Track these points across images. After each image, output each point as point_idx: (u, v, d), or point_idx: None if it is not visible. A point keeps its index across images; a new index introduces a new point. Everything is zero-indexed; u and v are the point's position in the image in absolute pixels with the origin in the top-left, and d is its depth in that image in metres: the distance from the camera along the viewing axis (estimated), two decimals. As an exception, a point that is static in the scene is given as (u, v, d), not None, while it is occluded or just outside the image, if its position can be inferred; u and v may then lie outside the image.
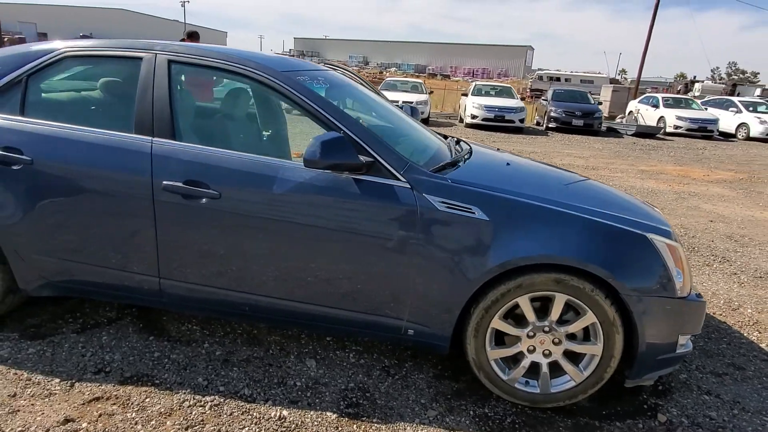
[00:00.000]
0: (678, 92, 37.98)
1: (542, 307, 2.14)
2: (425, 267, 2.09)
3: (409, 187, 2.09)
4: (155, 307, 2.68)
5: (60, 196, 2.24)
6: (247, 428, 1.97)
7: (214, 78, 2.81)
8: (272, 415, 2.06)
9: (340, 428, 2.02)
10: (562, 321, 2.14)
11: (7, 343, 2.41)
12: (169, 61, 2.27)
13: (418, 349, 2.59)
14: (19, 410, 1.98)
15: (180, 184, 2.13)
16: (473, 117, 14.38)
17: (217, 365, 2.36)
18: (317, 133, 2.09)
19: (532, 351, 2.18)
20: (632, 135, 15.47)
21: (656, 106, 17.54)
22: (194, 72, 2.42)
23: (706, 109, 17.47)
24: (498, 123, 14.19)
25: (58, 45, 2.37)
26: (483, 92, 15.95)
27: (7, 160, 2.23)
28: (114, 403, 2.06)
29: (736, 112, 17.29)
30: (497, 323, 2.14)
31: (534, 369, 2.20)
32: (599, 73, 52.62)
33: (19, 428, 1.89)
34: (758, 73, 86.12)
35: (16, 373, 2.20)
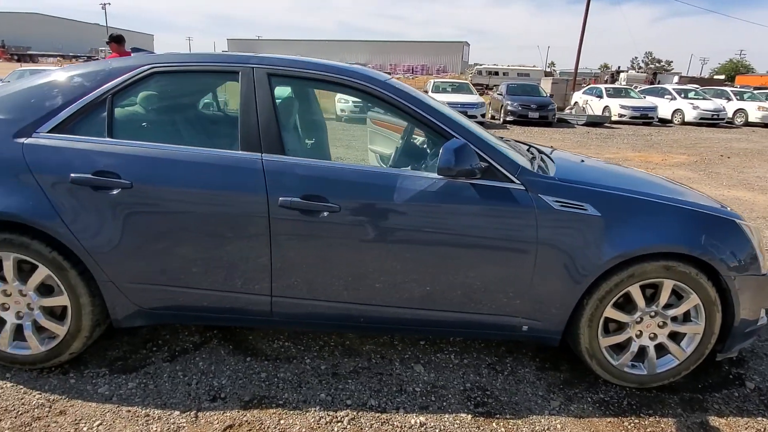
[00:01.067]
0: (606, 82, 40.24)
1: (647, 294, 2.28)
2: (544, 265, 2.18)
3: (524, 188, 2.17)
4: (259, 327, 2.62)
5: (163, 220, 2.13)
6: (395, 438, 1.99)
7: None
8: (412, 422, 2.08)
9: (480, 428, 2.07)
10: (666, 305, 2.29)
11: (101, 379, 2.27)
12: (269, 75, 2.22)
13: (520, 344, 2.68)
14: (157, 447, 1.89)
15: (298, 200, 2.10)
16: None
17: (330, 379, 2.34)
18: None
19: (639, 336, 2.32)
20: (583, 125, 16.31)
21: (600, 96, 18.59)
22: (291, 84, 2.37)
23: (645, 97, 18.68)
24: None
25: (145, 60, 2.24)
26: (441, 89, 16.26)
27: (104, 185, 2.10)
28: (250, 429, 2.01)
29: (671, 99, 18.62)
30: (610, 312, 2.26)
31: (639, 352, 2.34)
32: (534, 66, 54.88)
33: (169, 465, 1.81)
34: (671, 62, 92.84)
35: (129, 410, 2.09)
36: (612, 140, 12.81)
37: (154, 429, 1.99)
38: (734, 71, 75.26)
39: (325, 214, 2.11)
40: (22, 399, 2.12)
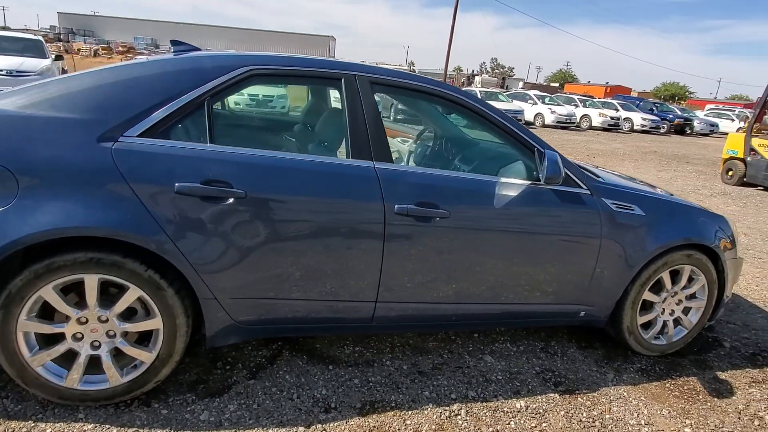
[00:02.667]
0: (462, 85, 43.71)
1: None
2: (605, 258, 2.54)
3: (590, 193, 2.50)
4: (354, 333, 2.66)
5: (275, 231, 2.04)
6: (514, 422, 2.18)
7: None
8: (517, 406, 2.29)
9: (571, 404, 2.36)
10: (684, 286, 2.81)
11: (194, 406, 2.09)
12: (371, 83, 2.23)
13: (554, 329, 3.02)
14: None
15: (413, 207, 2.16)
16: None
17: (420, 377, 2.44)
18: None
19: (662, 313, 2.81)
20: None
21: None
22: (390, 94, 2.38)
23: (512, 101, 20.83)
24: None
25: (242, 61, 2.09)
26: None
27: (215, 195, 1.94)
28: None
29: (534, 104, 21.04)
30: (647, 295, 2.71)
31: (649, 325, 2.84)
32: (400, 65, 57.36)
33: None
34: (513, 68, 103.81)
35: (248, 433, 1.97)
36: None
37: (289, 447, 1.92)
38: (563, 80, 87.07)
39: (437, 219, 2.21)
40: (120, 438, 1.88)
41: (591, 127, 21.77)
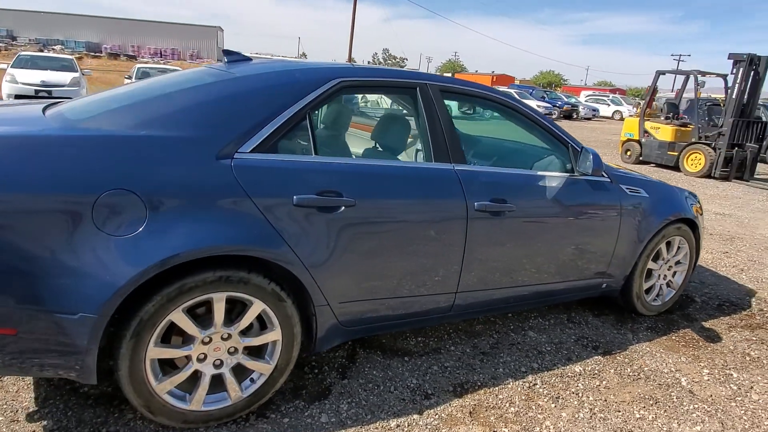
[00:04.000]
0: None
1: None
2: (623, 235, 2.96)
3: (610, 180, 2.90)
4: (434, 325, 2.82)
5: (379, 234, 2.15)
6: (581, 383, 2.51)
7: None
8: (577, 370, 2.63)
9: (612, 362, 2.75)
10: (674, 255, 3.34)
11: (310, 410, 2.15)
12: (441, 91, 2.40)
13: (590, 300, 3.41)
14: (444, 446, 2.01)
15: (489, 203, 2.38)
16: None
17: (487, 357, 2.69)
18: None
19: (659, 278, 3.32)
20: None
21: None
22: (456, 100, 2.54)
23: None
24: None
25: (333, 73, 2.14)
26: (151, 76, 13.89)
27: (329, 205, 2.00)
28: (487, 408, 2.26)
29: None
30: (650, 264, 3.19)
31: (650, 290, 3.35)
32: (301, 56, 56.38)
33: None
34: (406, 59, 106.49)
35: (377, 427, 2.09)
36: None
37: (424, 423, 2.07)
38: (453, 69, 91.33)
39: (506, 213, 2.45)
40: (259, 451, 1.90)
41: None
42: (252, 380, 2.05)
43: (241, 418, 2.05)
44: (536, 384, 2.49)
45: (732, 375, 2.74)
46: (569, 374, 2.60)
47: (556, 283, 2.83)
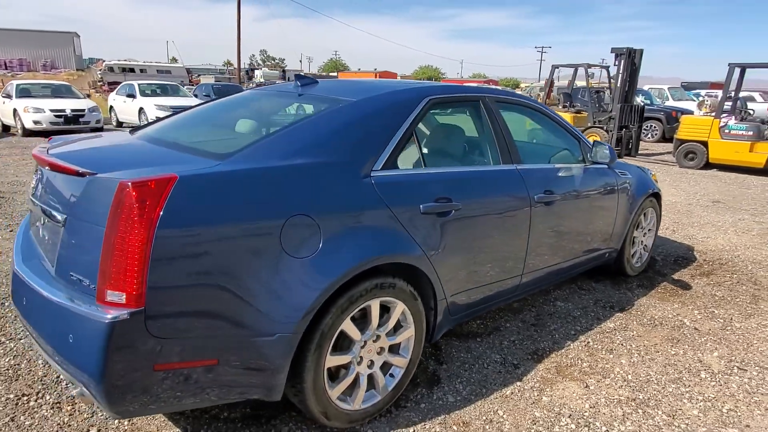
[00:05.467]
0: (243, 82, 42.95)
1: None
2: (620, 211, 3.57)
3: (608, 166, 3.48)
4: (505, 304, 3.15)
5: (477, 230, 2.46)
6: (618, 336, 3.04)
7: None
8: (610, 327, 3.16)
9: (628, 316, 3.33)
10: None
11: (436, 394, 2.41)
12: (497, 102, 2.76)
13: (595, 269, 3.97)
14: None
15: (543, 194, 2.80)
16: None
17: (537, 328, 3.12)
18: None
19: (639, 244, 4.01)
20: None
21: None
22: (505, 109, 2.88)
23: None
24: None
25: (424, 92, 2.39)
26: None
27: (446, 210, 2.28)
28: (572, 362, 2.68)
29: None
30: (635, 233, 3.86)
31: (634, 254, 4.04)
32: (175, 61, 52.93)
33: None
34: (284, 59, 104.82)
35: (498, 395, 2.41)
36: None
37: (529, 387, 2.43)
38: (336, 68, 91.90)
39: (553, 202, 2.89)
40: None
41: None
42: (392, 375, 2.26)
43: (386, 411, 2.26)
44: (589, 342, 2.97)
45: (714, 312, 3.46)
46: (607, 330, 3.12)
47: (582, 255, 3.34)
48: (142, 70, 42.51)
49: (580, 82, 13.69)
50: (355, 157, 2.06)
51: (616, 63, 10.87)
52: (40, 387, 2.34)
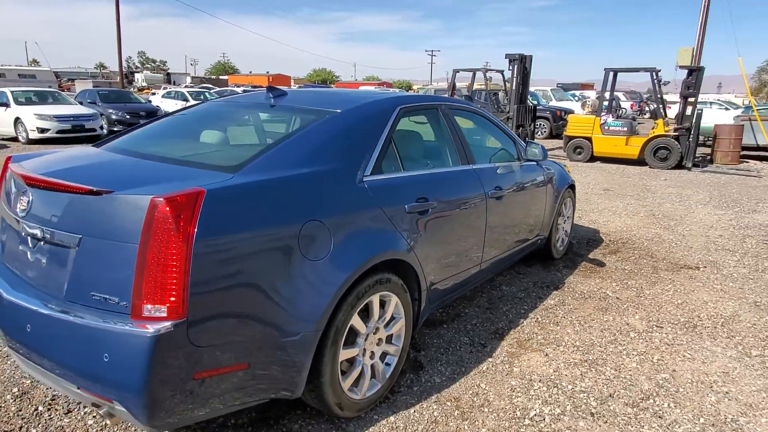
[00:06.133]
0: (123, 85, 40.14)
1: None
2: (548, 201, 4.06)
3: (537, 163, 3.95)
4: (469, 290, 3.39)
5: (447, 226, 2.72)
6: (561, 311, 3.50)
7: None
8: (552, 303, 3.61)
9: (567, 291, 3.82)
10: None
11: (423, 378, 2.63)
12: (450, 109, 3.05)
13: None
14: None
15: (494, 190, 3.15)
16: (43, 131, 12.11)
17: (493, 310, 3.48)
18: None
19: (561, 230, 4.56)
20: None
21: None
22: (458, 115, 3.15)
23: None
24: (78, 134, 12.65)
25: (396, 102, 2.60)
26: (26, 99, 13.08)
27: (425, 209, 2.51)
28: (520, 344, 3.05)
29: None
30: (559, 219, 4.40)
31: (557, 240, 4.59)
32: (38, 65, 47.72)
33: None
34: (166, 62, 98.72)
35: (487, 368, 2.69)
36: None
37: (499, 361, 2.74)
38: (224, 71, 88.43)
39: (502, 196, 3.25)
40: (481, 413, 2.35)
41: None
42: (388, 364, 2.44)
43: (385, 398, 2.44)
44: (537, 318, 3.38)
45: (628, 283, 4.08)
46: (549, 306, 3.57)
47: (524, 242, 3.77)
48: (1, 75, 37.88)
49: (478, 85, 14.73)
50: (351, 164, 2.22)
51: (510, 67, 11.88)
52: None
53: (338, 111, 2.41)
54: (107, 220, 1.68)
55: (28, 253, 1.91)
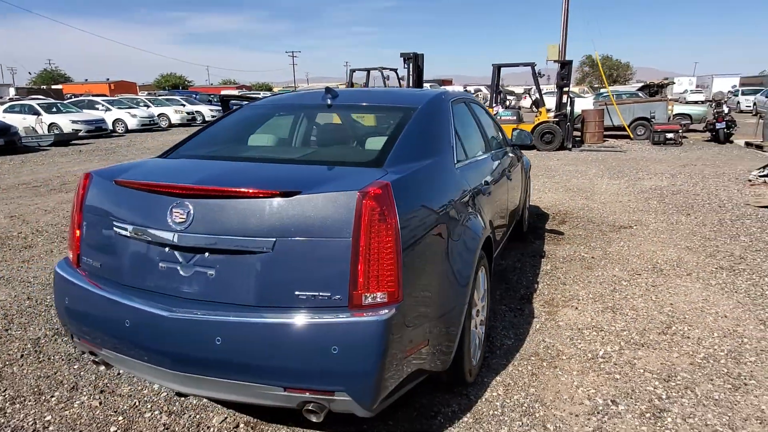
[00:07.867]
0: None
1: (523, 186, 5.13)
2: (524, 182, 4.60)
3: (515, 149, 4.46)
4: None
5: (491, 203, 3.05)
6: (560, 272, 4.03)
7: None
8: (548, 268, 4.14)
9: (556, 255, 4.38)
10: (525, 190, 5.22)
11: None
12: (471, 102, 3.36)
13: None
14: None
15: (507, 171, 3.55)
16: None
17: (507, 279, 3.89)
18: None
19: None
20: (50, 145, 15.07)
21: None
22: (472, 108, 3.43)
23: (82, 111, 18.49)
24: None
25: (447, 96, 2.83)
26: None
27: (486, 190, 2.81)
28: (547, 303, 3.51)
29: (106, 110, 19.59)
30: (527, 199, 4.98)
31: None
32: None
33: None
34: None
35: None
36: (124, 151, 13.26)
37: (542, 320, 3.15)
38: (53, 80, 77.75)
39: (510, 176, 3.66)
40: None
41: (171, 125, 22.36)
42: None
43: (483, 363, 2.69)
44: (547, 281, 3.87)
45: (591, 245, 4.79)
46: (549, 271, 4.09)
47: (516, 214, 4.24)
48: None
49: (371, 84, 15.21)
50: (449, 153, 2.43)
51: (405, 65, 12.55)
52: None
53: (417, 106, 2.58)
54: (305, 220, 1.69)
55: (180, 268, 1.81)
